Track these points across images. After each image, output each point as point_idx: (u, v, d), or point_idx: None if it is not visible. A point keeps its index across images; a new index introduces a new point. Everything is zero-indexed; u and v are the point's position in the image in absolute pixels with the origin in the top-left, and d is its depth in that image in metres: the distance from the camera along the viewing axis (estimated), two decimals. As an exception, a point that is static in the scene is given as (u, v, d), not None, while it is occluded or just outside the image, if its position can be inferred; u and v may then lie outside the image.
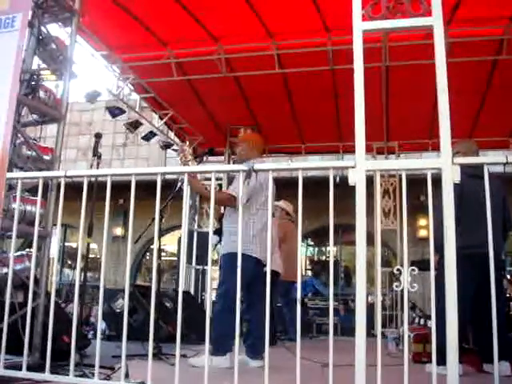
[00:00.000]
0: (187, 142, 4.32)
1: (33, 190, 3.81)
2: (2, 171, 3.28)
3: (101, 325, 3.20)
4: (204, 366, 2.77)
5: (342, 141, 9.62)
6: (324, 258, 15.22)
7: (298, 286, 2.89)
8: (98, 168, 4.16)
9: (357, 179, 2.54)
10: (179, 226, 11.00)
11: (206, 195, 4.55)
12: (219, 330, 3.89)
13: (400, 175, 2.65)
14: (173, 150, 10.11)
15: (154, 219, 4.27)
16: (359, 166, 2.57)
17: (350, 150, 9.39)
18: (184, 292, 7.09)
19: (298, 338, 2.67)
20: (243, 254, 4.26)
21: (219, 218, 5.05)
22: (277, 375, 2.70)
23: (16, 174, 3.62)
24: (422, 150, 9.76)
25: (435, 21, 2.60)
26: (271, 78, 7.39)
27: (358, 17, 2.71)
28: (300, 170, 2.79)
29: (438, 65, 2.57)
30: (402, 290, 2.47)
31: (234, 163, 9.12)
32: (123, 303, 6.48)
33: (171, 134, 9.77)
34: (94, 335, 5.22)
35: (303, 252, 13.97)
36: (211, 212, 3.71)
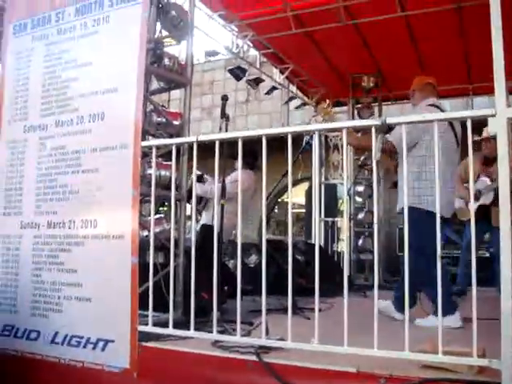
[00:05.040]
0: (327, 101, 4.22)
1: (164, 155, 3.98)
2: (138, 139, 3.46)
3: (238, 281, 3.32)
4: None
5: (471, 82, 9.09)
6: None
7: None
8: (226, 130, 4.25)
9: (497, 128, 2.38)
10: (305, 179, 11.05)
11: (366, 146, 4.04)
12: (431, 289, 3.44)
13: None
14: (295, 108, 10.14)
15: (284, 175, 4.32)
16: (500, 114, 2.39)
17: (481, 92, 8.86)
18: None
19: (439, 299, 2.60)
20: (419, 209, 4.04)
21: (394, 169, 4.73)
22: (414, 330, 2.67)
23: (151, 142, 3.83)
24: None
25: None
26: (393, 22, 7.05)
27: None
28: (435, 121, 2.67)
29: None
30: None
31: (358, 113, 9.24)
32: (256, 258, 6.66)
33: (293, 88, 9.74)
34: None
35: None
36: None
